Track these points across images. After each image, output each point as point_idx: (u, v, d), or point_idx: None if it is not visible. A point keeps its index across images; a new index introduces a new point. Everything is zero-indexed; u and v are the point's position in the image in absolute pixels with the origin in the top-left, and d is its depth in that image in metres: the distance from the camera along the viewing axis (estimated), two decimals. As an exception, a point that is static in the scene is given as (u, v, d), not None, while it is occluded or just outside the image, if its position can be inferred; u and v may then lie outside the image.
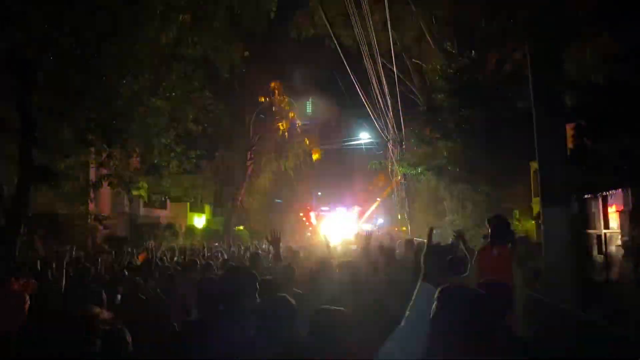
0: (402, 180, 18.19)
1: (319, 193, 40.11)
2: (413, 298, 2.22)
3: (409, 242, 8.36)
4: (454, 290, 1.97)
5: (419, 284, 2.29)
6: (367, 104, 18.03)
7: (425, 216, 22.32)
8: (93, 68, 10.61)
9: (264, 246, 13.04)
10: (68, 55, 10.47)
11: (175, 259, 10.09)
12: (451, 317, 1.86)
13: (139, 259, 9.87)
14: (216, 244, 19.31)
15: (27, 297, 4.72)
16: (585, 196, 10.10)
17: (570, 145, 8.58)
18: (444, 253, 4.93)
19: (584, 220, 10.55)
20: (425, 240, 2.76)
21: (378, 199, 32.97)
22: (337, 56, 19.69)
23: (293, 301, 2.91)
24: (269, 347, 2.67)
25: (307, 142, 32.07)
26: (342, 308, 2.91)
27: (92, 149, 13.61)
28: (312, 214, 35.82)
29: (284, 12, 26.81)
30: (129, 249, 11.14)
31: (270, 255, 5.81)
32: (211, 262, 7.71)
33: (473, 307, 1.86)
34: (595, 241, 10.51)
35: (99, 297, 3.73)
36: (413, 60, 21.96)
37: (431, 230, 3.49)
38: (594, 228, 10.57)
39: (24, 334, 2.53)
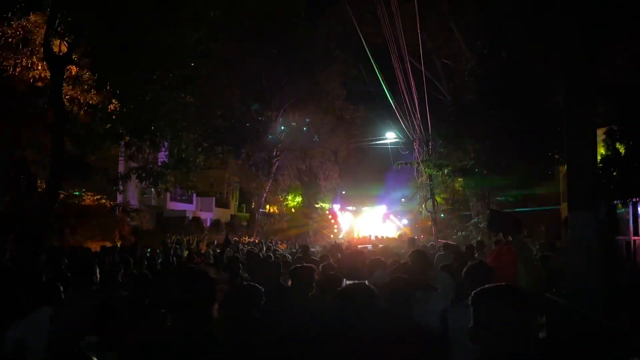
0: (428, 181, 17.95)
1: (343, 192, 40.01)
2: None
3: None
4: (485, 291, 1.88)
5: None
6: (394, 103, 17.84)
7: (450, 218, 22.08)
8: (124, 62, 10.80)
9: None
10: (99, 50, 10.70)
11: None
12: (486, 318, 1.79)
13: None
14: (251, 239, 19.66)
15: None
16: (615, 202, 9.85)
17: (600, 150, 8.36)
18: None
19: (614, 226, 10.30)
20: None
21: (402, 199, 32.78)
22: (364, 54, 19.54)
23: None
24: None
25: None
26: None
27: (122, 142, 13.86)
28: (339, 213, 35.83)
29: (312, 10, 27.00)
30: (157, 250, 11.34)
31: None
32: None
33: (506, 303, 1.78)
34: (624, 248, 10.27)
35: None
36: (442, 60, 21.70)
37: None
38: (624, 234, 10.34)
39: None
